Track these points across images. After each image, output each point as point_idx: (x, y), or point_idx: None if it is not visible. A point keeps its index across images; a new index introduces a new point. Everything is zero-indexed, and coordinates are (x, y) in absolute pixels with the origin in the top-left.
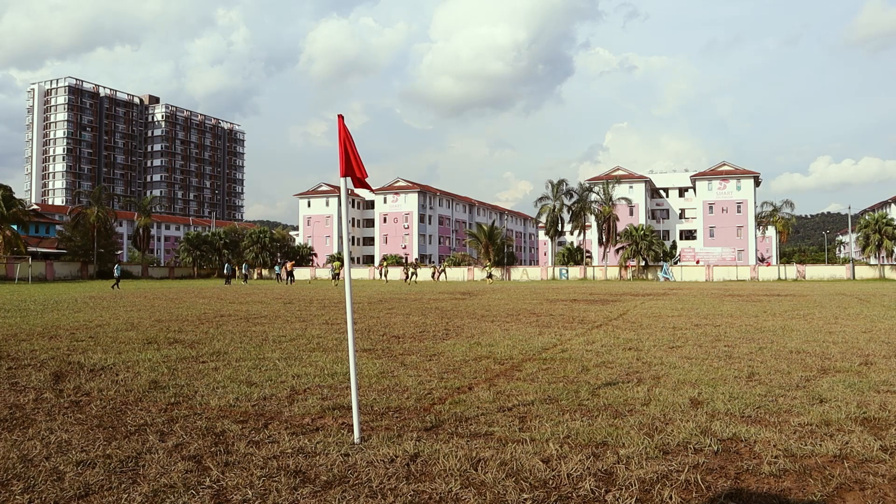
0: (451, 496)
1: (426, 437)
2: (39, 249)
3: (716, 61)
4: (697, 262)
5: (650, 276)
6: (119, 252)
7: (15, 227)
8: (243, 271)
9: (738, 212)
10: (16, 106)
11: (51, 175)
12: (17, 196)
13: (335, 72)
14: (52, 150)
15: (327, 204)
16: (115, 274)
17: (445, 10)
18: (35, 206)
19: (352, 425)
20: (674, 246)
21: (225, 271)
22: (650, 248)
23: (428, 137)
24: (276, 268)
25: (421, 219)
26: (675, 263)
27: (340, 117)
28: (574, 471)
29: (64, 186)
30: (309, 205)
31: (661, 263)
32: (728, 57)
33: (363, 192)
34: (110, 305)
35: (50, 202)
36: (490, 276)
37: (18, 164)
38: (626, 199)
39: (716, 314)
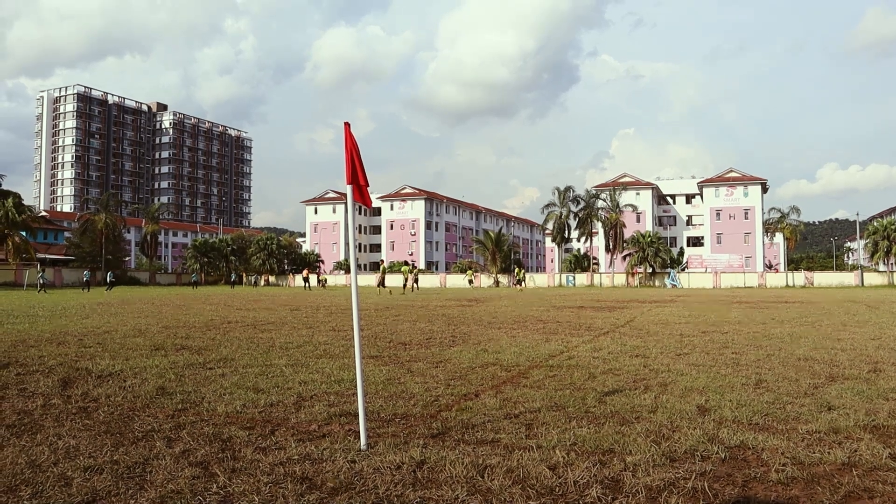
0: (458, 503)
1: (433, 443)
2: (48, 256)
3: (722, 68)
4: (705, 269)
5: (657, 283)
6: (127, 258)
7: (24, 233)
8: (37, 278)
9: (746, 218)
10: (25, 114)
11: (59, 182)
12: (26, 203)
13: (341, 79)
14: (60, 157)
15: (334, 211)
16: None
17: (451, 19)
18: (44, 213)
19: (358, 432)
20: (681, 252)
21: (109, 278)
22: (657, 254)
23: (434, 144)
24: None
25: (427, 225)
26: (683, 270)
27: (347, 125)
28: (580, 478)
29: (72, 193)
30: (316, 212)
31: (668, 270)
32: (734, 64)
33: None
34: (118, 312)
35: (58, 209)
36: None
37: (28, 172)
38: (632, 205)
39: (723, 321)
